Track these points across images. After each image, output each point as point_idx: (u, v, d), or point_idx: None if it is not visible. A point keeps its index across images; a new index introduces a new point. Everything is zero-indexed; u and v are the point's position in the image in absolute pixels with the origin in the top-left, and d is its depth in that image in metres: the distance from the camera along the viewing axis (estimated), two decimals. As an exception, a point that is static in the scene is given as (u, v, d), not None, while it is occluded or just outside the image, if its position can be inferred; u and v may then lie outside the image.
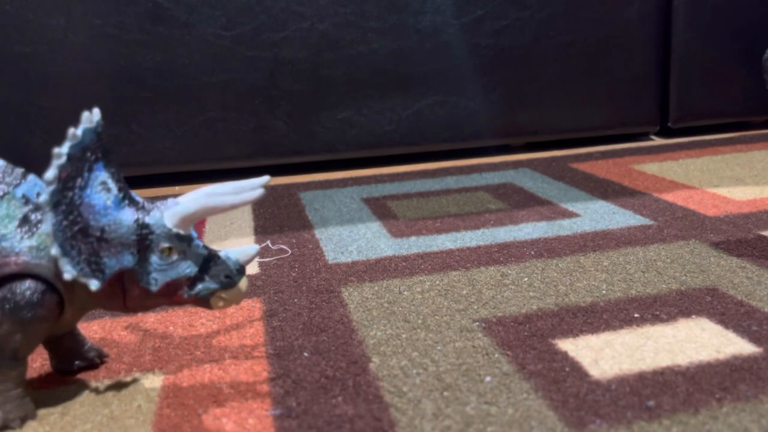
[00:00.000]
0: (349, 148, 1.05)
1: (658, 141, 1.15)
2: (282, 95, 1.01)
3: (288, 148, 1.03)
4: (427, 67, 1.04)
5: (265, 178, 0.37)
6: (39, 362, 0.44)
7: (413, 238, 0.66)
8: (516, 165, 0.99)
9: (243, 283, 0.37)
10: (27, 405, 0.37)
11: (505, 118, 1.09)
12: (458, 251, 0.61)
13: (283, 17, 0.98)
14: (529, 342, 0.43)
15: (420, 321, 0.47)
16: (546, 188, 0.84)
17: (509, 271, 0.56)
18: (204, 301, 0.36)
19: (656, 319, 0.45)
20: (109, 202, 0.35)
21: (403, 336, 0.45)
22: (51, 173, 0.32)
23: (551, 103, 1.11)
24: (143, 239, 0.35)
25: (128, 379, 0.41)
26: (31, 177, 0.36)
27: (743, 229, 0.63)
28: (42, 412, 0.38)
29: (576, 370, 0.39)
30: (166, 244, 0.35)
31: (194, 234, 0.36)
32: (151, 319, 0.50)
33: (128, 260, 0.35)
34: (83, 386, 0.41)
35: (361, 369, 0.41)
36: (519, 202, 0.77)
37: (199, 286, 0.36)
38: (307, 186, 0.94)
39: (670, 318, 0.45)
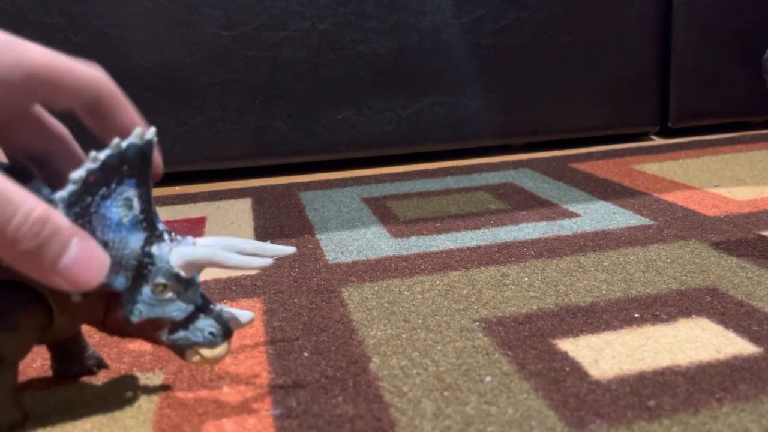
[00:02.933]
0: (349, 148, 1.05)
1: (658, 141, 1.15)
2: (282, 95, 1.01)
3: (288, 148, 1.03)
4: (427, 67, 1.04)
5: (290, 249, 0.36)
6: (39, 362, 0.44)
7: (413, 238, 0.66)
8: (516, 165, 0.99)
9: (223, 348, 0.35)
10: (15, 411, 0.35)
11: (505, 118, 1.09)
12: (458, 251, 0.61)
13: (283, 17, 0.99)
14: (529, 342, 0.43)
15: (420, 321, 0.47)
16: (546, 188, 0.84)
17: (509, 271, 0.56)
18: (180, 350, 0.35)
19: (656, 319, 0.45)
20: (124, 220, 0.33)
21: (403, 336, 0.45)
22: (79, 174, 0.31)
23: (551, 103, 1.11)
24: (142, 267, 0.33)
25: (128, 379, 0.41)
26: (34, 183, 0.35)
27: (743, 229, 0.63)
28: (41, 412, 0.38)
29: (576, 370, 0.39)
30: (162, 281, 0.33)
31: (197, 280, 0.35)
32: (151, 319, 0.50)
33: (120, 282, 0.33)
34: (83, 386, 0.41)
35: (361, 369, 0.41)
36: (519, 202, 0.77)
37: (180, 334, 0.34)
38: (307, 186, 0.94)
39: (671, 318, 0.45)
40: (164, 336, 0.34)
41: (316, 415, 0.36)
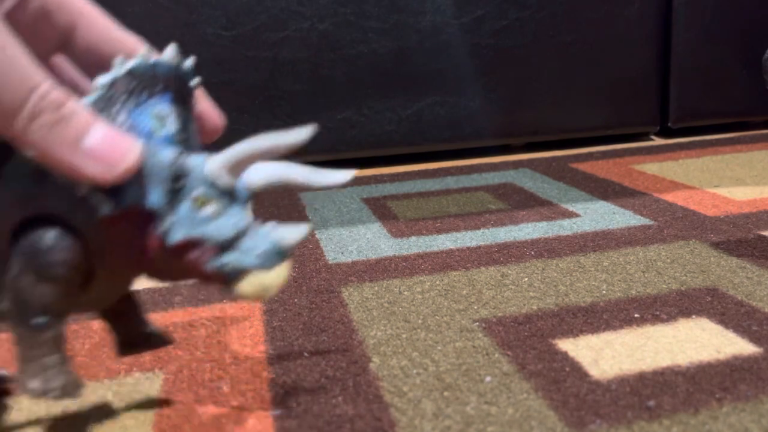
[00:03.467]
0: (349, 148, 1.05)
1: (658, 141, 1.15)
2: (282, 95, 1.01)
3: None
4: (427, 67, 1.04)
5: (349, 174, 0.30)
6: (39, 362, 0.44)
7: (413, 238, 0.66)
8: (516, 165, 0.99)
9: (280, 271, 0.29)
10: (68, 374, 0.30)
11: (505, 118, 1.09)
12: (458, 251, 0.61)
13: (283, 17, 0.99)
14: (529, 342, 0.43)
15: (420, 321, 0.47)
16: (546, 188, 0.84)
17: (509, 271, 0.55)
18: (228, 281, 0.29)
19: (656, 319, 0.45)
20: (156, 134, 0.29)
21: (403, 336, 0.45)
22: (105, 78, 0.29)
23: (551, 103, 1.11)
24: (177, 179, 0.29)
25: (128, 379, 0.41)
26: None
27: (743, 229, 0.63)
28: (41, 413, 0.38)
29: (576, 370, 0.39)
30: (200, 192, 0.29)
31: (243, 194, 0.30)
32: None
33: (154, 198, 0.29)
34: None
35: (361, 369, 0.41)
36: (519, 202, 0.77)
37: (227, 258, 0.29)
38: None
39: (670, 318, 0.45)
40: (209, 263, 0.29)
41: (316, 416, 0.36)
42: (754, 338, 0.42)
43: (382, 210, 0.78)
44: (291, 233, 0.30)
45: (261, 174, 0.30)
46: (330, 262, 0.60)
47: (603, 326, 0.45)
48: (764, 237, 0.60)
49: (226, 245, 0.29)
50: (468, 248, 0.62)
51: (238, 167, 0.29)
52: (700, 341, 0.42)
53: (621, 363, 0.40)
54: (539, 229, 0.67)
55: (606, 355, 0.41)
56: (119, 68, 0.29)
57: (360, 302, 0.51)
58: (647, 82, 1.14)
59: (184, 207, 0.29)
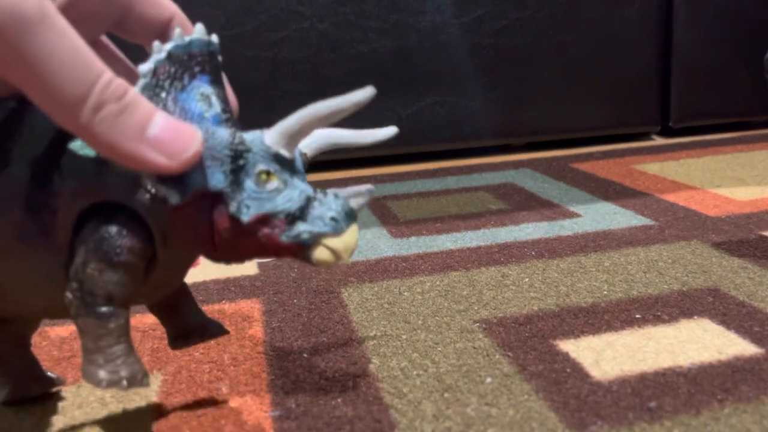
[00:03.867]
0: (348, 148, 1.04)
1: (659, 141, 1.15)
2: (282, 95, 1.00)
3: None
4: (427, 67, 1.04)
5: (388, 131, 0.31)
6: (37, 363, 0.44)
7: (413, 239, 0.66)
8: (516, 165, 0.99)
9: (351, 233, 0.29)
10: (134, 363, 0.30)
11: (506, 117, 1.09)
12: (458, 251, 0.61)
13: (283, 17, 0.98)
14: (530, 343, 0.43)
15: (420, 322, 0.47)
16: (547, 188, 0.84)
17: (510, 272, 0.55)
18: (304, 250, 0.29)
19: (658, 319, 0.45)
20: (206, 114, 0.29)
21: (403, 337, 0.45)
22: (147, 66, 0.28)
23: (552, 102, 1.10)
24: (238, 157, 0.28)
25: (127, 380, 0.41)
26: None
27: (745, 229, 0.63)
28: (39, 414, 0.38)
29: (577, 371, 0.39)
30: (263, 167, 0.29)
31: (300, 163, 0.30)
32: (149, 320, 0.49)
33: (219, 180, 0.28)
34: (81, 388, 0.40)
35: (360, 370, 0.40)
36: (519, 203, 0.77)
37: (300, 227, 0.28)
38: (307, 186, 0.93)
39: (672, 319, 0.45)
40: (283, 235, 0.29)
41: (316, 417, 0.36)
42: (756, 339, 0.41)
43: (382, 210, 0.77)
44: (357, 196, 0.30)
45: (312, 141, 0.30)
46: (330, 263, 0.60)
47: (604, 327, 0.44)
48: (766, 237, 0.60)
49: (296, 216, 0.29)
50: (468, 248, 0.62)
51: (295, 138, 0.29)
52: (701, 342, 0.42)
53: (622, 364, 0.39)
54: (540, 230, 0.66)
55: (607, 356, 0.41)
56: (158, 53, 0.29)
57: (360, 303, 0.51)
58: (648, 82, 1.13)
59: (249, 184, 0.29)
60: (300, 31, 0.99)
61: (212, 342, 0.45)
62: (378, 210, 0.78)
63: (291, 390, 0.39)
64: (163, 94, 0.29)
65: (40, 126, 0.31)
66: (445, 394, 0.37)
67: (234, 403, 0.38)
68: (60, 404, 0.39)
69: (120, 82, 0.26)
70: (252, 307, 0.51)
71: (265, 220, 0.29)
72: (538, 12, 1.07)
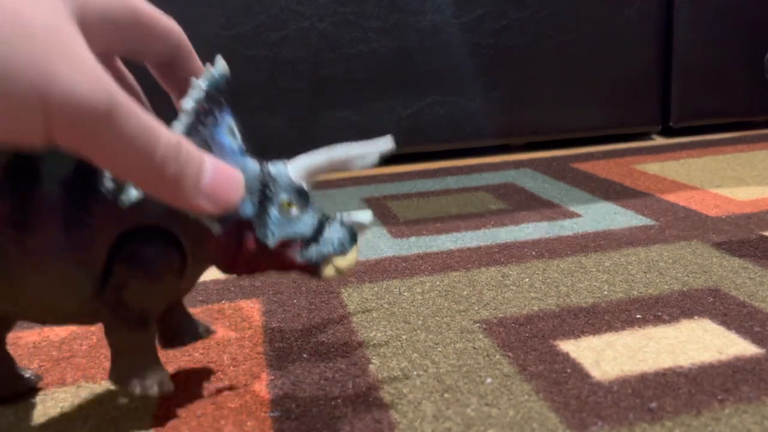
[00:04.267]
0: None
1: (659, 141, 1.15)
2: (281, 95, 1.00)
3: (287, 148, 1.02)
4: (427, 67, 1.04)
5: (386, 143, 0.34)
6: (36, 363, 0.44)
7: (413, 239, 0.66)
8: (517, 165, 0.99)
9: (353, 253, 0.34)
10: (161, 371, 0.34)
11: (506, 117, 1.09)
12: (459, 252, 0.61)
13: (283, 16, 0.98)
14: (530, 343, 0.43)
15: (420, 322, 0.47)
16: (547, 188, 0.83)
17: (510, 272, 0.55)
18: (315, 268, 0.33)
19: (658, 320, 0.45)
20: (235, 147, 0.32)
21: (403, 337, 0.44)
22: (189, 103, 0.30)
23: (552, 102, 1.10)
24: (265, 188, 0.32)
25: (126, 380, 0.41)
26: None
27: (745, 229, 0.62)
28: (39, 414, 0.38)
29: (577, 371, 0.39)
30: (286, 197, 0.33)
31: (309, 190, 0.34)
32: (149, 320, 0.49)
33: (249, 209, 0.32)
34: (81, 388, 0.40)
35: (360, 370, 0.40)
36: (520, 203, 0.77)
37: (313, 250, 0.33)
38: (307, 186, 0.93)
39: (672, 319, 0.45)
40: (298, 256, 0.33)
41: (315, 417, 0.36)
42: (757, 339, 0.41)
43: (382, 210, 0.77)
44: (360, 221, 0.34)
45: (311, 168, 0.33)
46: (330, 263, 0.60)
47: (604, 327, 0.44)
48: (766, 237, 0.60)
49: (311, 239, 0.33)
50: (468, 249, 0.62)
51: (316, 175, 0.33)
52: (702, 342, 0.42)
53: (623, 364, 0.39)
54: (540, 230, 0.66)
55: (607, 356, 0.41)
56: (198, 90, 0.31)
57: (360, 303, 0.51)
58: (648, 82, 1.13)
59: (274, 211, 0.32)
60: (300, 31, 0.99)
61: (212, 342, 0.45)
62: (378, 210, 0.77)
63: (291, 390, 0.39)
64: (204, 131, 0.31)
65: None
66: (445, 395, 0.37)
67: (234, 403, 0.38)
68: (60, 404, 0.39)
69: (176, 141, 0.27)
70: (252, 307, 0.51)
71: (286, 243, 0.33)
72: (538, 12, 1.07)
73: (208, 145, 0.31)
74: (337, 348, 0.44)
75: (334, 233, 0.33)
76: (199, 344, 0.45)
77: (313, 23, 0.99)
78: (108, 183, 0.32)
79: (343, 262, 0.33)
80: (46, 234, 0.31)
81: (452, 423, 0.34)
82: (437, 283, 0.54)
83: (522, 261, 0.58)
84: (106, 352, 0.45)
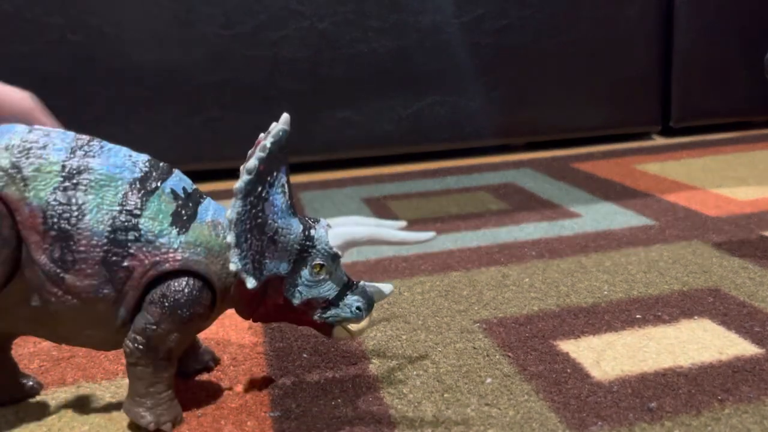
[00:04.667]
0: (348, 148, 1.04)
1: (659, 141, 1.14)
2: (281, 94, 1.00)
3: (287, 148, 1.02)
4: (427, 67, 1.04)
5: (429, 234, 0.36)
6: (37, 363, 0.44)
7: (413, 239, 0.66)
8: (517, 165, 0.99)
9: (367, 321, 0.37)
10: (176, 407, 0.36)
11: (506, 117, 1.09)
12: (459, 252, 0.61)
13: (283, 16, 0.98)
14: (530, 343, 0.43)
15: (420, 322, 0.47)
16: (547, 188, 0.83)
17: (510, 272, 0.55)
18: (328, 328, 0.36)
19: (658, 320, 0.45)
20: (284, 206, 0.34)
21: (403, 337, 0.44)
22: (253, 163, 0.32)
23: (552, 102, 1.10)
24: (304, 251, 0.34)
25: (127, 381, 0.41)
26: (176, 172, 0.35)
27: (745, 229, 0.62)
28: (40, 414, 0.38)
29: (577, 371, 0.39)
30: (320, 261, 0.34)
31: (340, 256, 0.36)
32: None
33: (284, 268, 0.34)
34: (81, 388, 0.40)
35: (360, 371, 0.40)
36: (520, 203, 0.77)
37: (332, 312, 0.35)
38: (307, 186, 0.93)
39: (672, 319, 0.45)
40: (317, 315, 0.35)
41: (315, 417, 0.36)
42: (756, 339, 0.41)
43: (382, 210, 0.77)
44: (381, 291, 0.36)
45: (351, 240, 0.35)
46: (330, 263, 0.60)
47: (604, 327, 0.44)
48: (766, 237, 0.60)
49: (332, 302, 0.35)
50: (468, 249, 0.62)
51: (356, 245, 0.35)
52: (702, 342, 0.42)
53: (622, 364, 0.39)
54: (540, 230, 0.66)
55: (607, 356, 0.40)
56: (263, 149, 0.32)
57: (360, 303, 0.50)
58: (649, 82, 1.13)
59: (305, 272, 0.35)
60: (300, 31, 0.99)
61: (212, 342, 0.45)
62: (378, 210, 0.77)
63: (291, 390, 0.39)
64: (260, 188, 0.33)
65: (112, 175, 0.33)
66: (445, 395, 0.37)
67: (234, 403, 0.38)
68: (60, 404, 0.39)
69: None
70: (252, 307, 0.51)
71: (310, 303, 0.35)
72: (539, 12, 1.07)
73: (261, 203, 0.33)
74: (337, 348, 0.44)
75: (355, 300, 0.35)
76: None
77: (313, 23, 0.99)
78: (147, 223, 0.33)
79: (355, 327, 0.36)
80: (89, 271, 0.33)
81: (452, 423, 0.34)
82: (437, 283, 0.54)
83: (522, 261, 0.58)
84: (106, 353, 0.45)
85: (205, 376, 0.41)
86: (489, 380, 0.38)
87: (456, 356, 0.41)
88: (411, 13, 1.02)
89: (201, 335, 0.46)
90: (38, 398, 0.39)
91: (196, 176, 1.03)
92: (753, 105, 1.17)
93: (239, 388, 0.39)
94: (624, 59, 1.11)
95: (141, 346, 0.33)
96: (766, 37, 1.13)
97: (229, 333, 0.47)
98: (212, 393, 0.39)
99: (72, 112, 0.94)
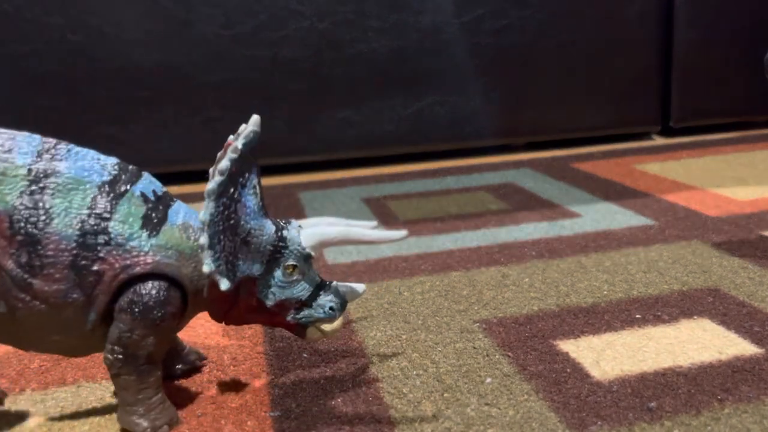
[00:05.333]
0: (348, 148, 1.04)
1: (659, 141, 1.14)
2: (281, 94, 1.00)
3: (287, 148, 1.02)
4: (427, 67, 1.04)
5: (400, 233, 0.36)
6: (37, 363, 0.44)
7: (413, 239, 0.66)
8: (517, 165, 0.99)
9: (340, 321, 0.36)
10: (170, 409, 0.36)
11: (506, 117, 1.09)
12: (459, 252, 0.61)
13: (283, 16, 0.98)
14: (530, 343, 0.43)
15: (420, 322, 0.47)
16: (547, 188, 0.83)
17: (510, 272, 0.55)
18: (301, 329, 0.36)
19: (658, 319, 0.45)
20: (256, 207, 0.34)
21: (403, 337, 0.44)
22: (225, 164, 0.32)
23: (552, 102, 1.10)
24: (276, 252, 0.34)
25: (126, 380, 0.41)
26: (146, 175, 0.35)
27: (745, 229, 0.62)
28: (39, 414, 0.38)
29: (577, 371, 0.39)
30: (292, 262, 0.34)
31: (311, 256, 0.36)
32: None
33: (257, 269, 0.34)
34: (81, 388, 0.40)
35: (360, 370, 0.40)
36: (520, 202, 0.77)
37: (305, 312, 0.35)
38: (307, 186, 0.93)
39: (672, 319, 0.45)
40: (290, 316, 0.35)
41: (315, 417, 0.36)
42: (756, 339, 0.41)
43: (382, 210, 0.77)
44: (354, 290, 0.37)
45: (323, 240, 0.35)
46: (329, 263, 0.60)
47: (604, 327, 0.44)
48: (766, 237, 0.60)
49: (304, 302, 0.35)
50: (468, 248, 0.62)
51: (329, 245, 0.36)
52: (701, 342, 0.42)
53: (622, 364, 0.39)
54: (540, 230, 0.66)
55: (607, 356, 0.41)
56: (234, 151, 0.32)
57: (359, 303, 0.51)
58: (648, 82, 1.13)
59: (278, 273, 0.34)
60: (299, 31, 0.99)
61: (212, 342, 0.45)
62: (378, 210, 0.77)
63: (291, 390, 0.39)
64: (232, 189, 0.33)
65: (80, 179, 0.33)
66: (445, 394, 0.37)
67: (234, 403, 0.38)
68: (60, 404, 0.39)
69: None
70: (252, 307, 0.51)
71: (283, 304, 0.35)
72: (539, 11, 1.07)
73: (233, 204, 0.33)
74: (337, 348, 0.44)
75: (328, 300, 0.35)
76: (199, 344, 0.45)
77: (313, 23, 0.99)
78: (117, 227, 0.33)
79: (329, 327, 0.36)
80: (58, 276, 0.32)
81: (452, 422, 0.34)
82: (437, 282, 0.54)
83: (522, 261, 0.58)
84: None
85: (205, 377, 0.41)
86: (489, 380, 0.38)
87: (456, 356, 0.41)
88: (411, 13, 1.02)
89: (203, 335, 0.46)
90: (38, 398, 0.39)
91: (196, 176, 1.03)
92: (753, 105, 1.17)
93: (239, 387, 0.39)
94: (624, 59, 1.11)
95: (120, 356, 0.33)
96: (766, 37, 1.13)
97: (229, 333, 0.47)
98: (212, 392, 0.39)
99: (72, 112, 0.94)
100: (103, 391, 0.40)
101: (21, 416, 0.38)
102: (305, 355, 0.43)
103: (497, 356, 0.41)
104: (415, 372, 0.40)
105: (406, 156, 1.11)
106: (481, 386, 0.38)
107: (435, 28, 1.03)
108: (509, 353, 0.41)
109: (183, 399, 0.38)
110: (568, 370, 0.39)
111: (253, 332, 0.46)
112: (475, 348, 0.42)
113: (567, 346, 0.42)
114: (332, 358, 0.42)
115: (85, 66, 0.94)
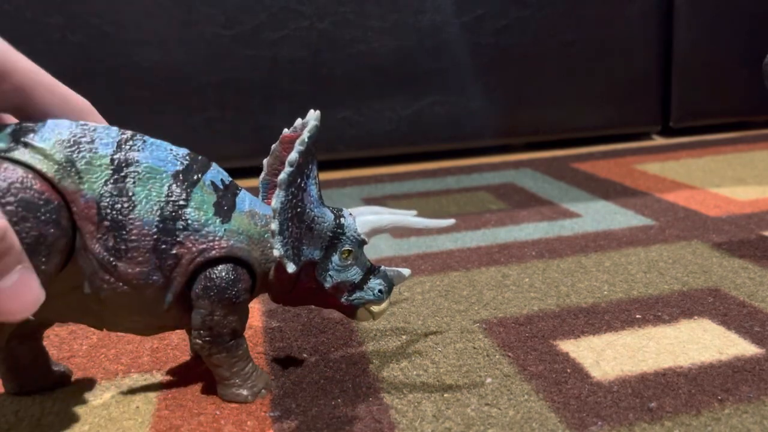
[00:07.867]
0: (348, 148, 1.04)
1: (659, 141, 1.15)
2: (281, 94, 1.00)
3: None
4: (427, 67, 1.04)
5: (449, 221, 0.40)
6: (36, 363, 0.44)
7: (413, 239, 0.66)
8: (517, 165, 0.99)
9: (387, 303, 0.38)
10: (263, 374, 0.38)
11: (506, 117, 1.09)
12: (458, 252, 0.61)
13: (283, 16, 0.98)
14: (530, 343, 0.43)
15: (420, 322, 0.47)
16: (547, 188, 0.83)
17: (510, 272, 0.55)
18: (353, 310, 0.38)
19: (658, 320, 0.45)
20: (317, 196, 0.36)
21: (403, 337, 0.44)
22: (294, 156, 0.33)
23: (552, 102, 1.10)
24: (335, 238, 0.37)
25: (126, 380, 0.41)
26: (213, 165, 0.37)
27: (745, 229, 0.62)
28: (40, 414, 0.38)
29: (577, 371, 0.39)
30: (348, 248, 0.37)
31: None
32: (149, 320, 0.49)
33: (317, 254, 0.36)
34: (81, 388, 0.40)
35: (360, 370, 0.40)
36: (520, 202, 0.77)
37: (357, 294, 0.38)
38: (307, 186, 0.93)
39: (672, 319, 0.45)
40: (343, 298, 0.38)
41: (315, 417, 0.36)
42: (756, 339, 0.41)
43: (382, 210, 0.77)
44: (399, 276, 0.39)
45: (376, 227, 0.38)
46: (330, 263, 0.60)
47: (604, 327, 0.44)
48: (766, 237, 0.60)
49: (357, 285, 0.38)
50: (468, 249, 0.62)
51: (381, 232, 0.39)
52: (701, 342, 0.42)
53: (622, 364, 0.39)
54: (540, 230, 0.66)
55: (607, 356, 0.41)
56: (302, 143, 0.34)
57: (360, 303, 0.50)
58: (648, 82, 1.13)
59: (335, 258, 0.37)
60: (299, 30, 0.99)
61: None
62: (378, 210, 0.77)
63: (290, 390, 0.39)
64: (300, 179, 0.34)
65: (157, 168, 0.35)
66: (445, 395, 0.37)
67: (233, 403, 0.38)
68: (60, 404, 0.39)
69: (2, 225, 0.28)
70: (252, 307, 0.51)
71: (339, 286, 0.38)
72: (539, 11, 1.07)
73: (301, 193, 0.35)
74: (337, 348, 0.44)
75: (378, 284, 0.38)
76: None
77: (313, 23, 0.99)
78: (193, 213, 0.35)
79: (377, 309, 0.38)
80: (141, 258, 0.34)
81: (452, 423, 0.34)
82: (437, 283, 0.54)
83: (522, 261, 0.58)
84: (107, 351, 0.45)
85: (205, 377, 0.41)
86: (489, 380, 0.38)
87: (456, 356, 0.41)
88: (411, 13, 1.02)
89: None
90: (38, 398, 0.39)
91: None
92: (753, 105, 1.17)
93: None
94: (624, 59, 1.11)
95: (208, 338, 0.36)
96: (766, 37, 1.13)
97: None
98: (212, 392, 0.39)
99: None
100: (102, 391, 0.40)
101: (20, 417, 0.37)
102: (305, 355, 0.43)
103: (497, 356, 0.41)
104: (415, 372, 0.40)
105: (406, 156, 1.11)
106: (481, 386, 0.38)
107: (435, 28, 1.03)
108: (509, 353, 0.41)
109: (183, 399, 0.38)
110: (569, 370, 0.39)
111: (253, 332, 0.46)
112: (475, 348, 0.42)
113: (567, 346, 0.42)
114: (332, 359, 0.42)
115: (85, 66, 0.93)
